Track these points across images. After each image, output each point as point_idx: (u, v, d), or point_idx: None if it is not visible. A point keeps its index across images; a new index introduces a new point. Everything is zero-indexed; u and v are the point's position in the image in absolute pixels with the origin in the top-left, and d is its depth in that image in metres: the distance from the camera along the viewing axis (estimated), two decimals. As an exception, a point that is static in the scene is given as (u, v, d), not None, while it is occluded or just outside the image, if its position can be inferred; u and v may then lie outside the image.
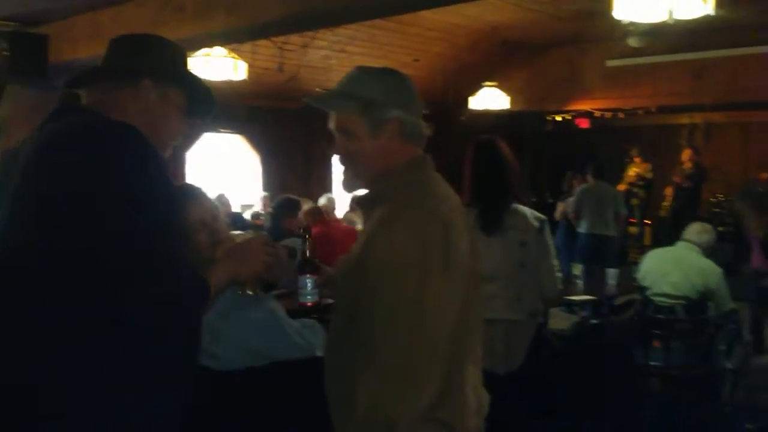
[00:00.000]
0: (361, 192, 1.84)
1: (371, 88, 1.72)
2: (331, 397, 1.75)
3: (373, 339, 1.57)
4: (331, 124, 1.77)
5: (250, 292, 1.78)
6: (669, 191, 10.78)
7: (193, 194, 2.00)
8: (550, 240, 3.22)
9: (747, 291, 5.81)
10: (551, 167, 12.08)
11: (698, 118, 11.74)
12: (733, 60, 8.83)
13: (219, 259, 1.68)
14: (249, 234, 1.86)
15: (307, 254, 1.96)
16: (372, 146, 1.72)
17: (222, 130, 10.21)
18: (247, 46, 7.27)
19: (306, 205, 7.36)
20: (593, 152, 10.75)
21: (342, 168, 1.80)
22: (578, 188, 8.08)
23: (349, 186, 1.81)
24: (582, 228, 7.95)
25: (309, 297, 1.91)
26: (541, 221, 3.21)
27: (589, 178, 8.14)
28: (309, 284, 1.91)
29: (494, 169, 3.13)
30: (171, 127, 1.77)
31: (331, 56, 8.74)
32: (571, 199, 8.42)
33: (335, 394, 1.72)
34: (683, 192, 10.47)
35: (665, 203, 10.85)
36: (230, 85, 6.89)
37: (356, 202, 1.88)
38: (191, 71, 1.89)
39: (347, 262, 1.76)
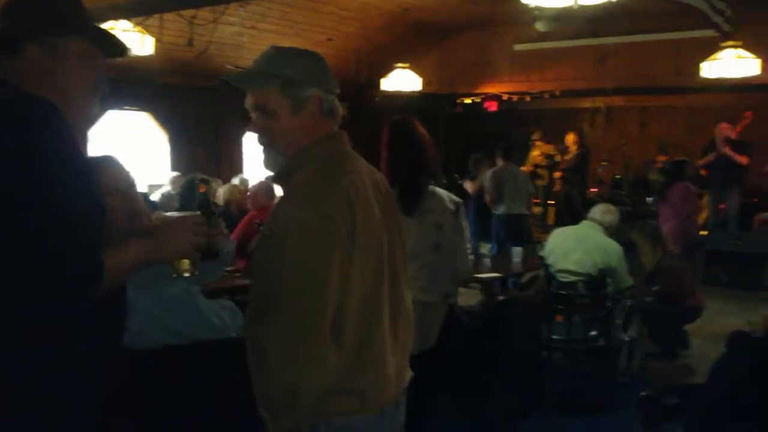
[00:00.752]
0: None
1: (290, 66, 1.74)
2: (251, 370, 1.77)
3: (278, 307, 1.61)
4: (248, 103, 1.76)
5: (187, 274, 1.65)
6: (557, 174, 11.16)
7: (108, 163, 1.94)
8: (465, 223, 3.27)
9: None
10: (462, 149, 12.31)
11: (600, 102, 12.21)
12: (633, 46, 9.24)
13: (138, 237, 1.55)
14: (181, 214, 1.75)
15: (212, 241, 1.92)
16: (292, 124, 1.74)
17: (127, 108, 9.86)
18: (154, 21, 7.04)
19: (215, 185, 7.23)
20: (501, 135, 11.03)
21: (261, 147, 1.80)
22: (490, 171, 8.20)
23: (271, 165, 1.81)
24: (499, 210, 8.11)
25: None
26: (456, 204, 3.24)
27: (499, 160, 8.29)
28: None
29: (410, 149, 3.14)
30: (81, 82, 1.56)
31: (242, 33, 8.57)
32: (485, 179, 8.48)
33: (253, 367, 1.73)
34: (570, 174, 10.88)
35: (557, 187, 11.23)
36: (136, 60, 6.66)
37: (273, 180, 1.89)
38: (83, 12, 1.61)
39: (260, 237, 1.80)
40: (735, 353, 2.24)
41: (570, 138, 11.00)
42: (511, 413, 4.28)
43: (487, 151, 8.87)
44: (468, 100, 11.66)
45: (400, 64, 9.76)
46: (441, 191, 3.21)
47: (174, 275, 1.64)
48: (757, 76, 7.13)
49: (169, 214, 1.79)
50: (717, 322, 6.27)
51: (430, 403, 3.38)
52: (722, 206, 9.42)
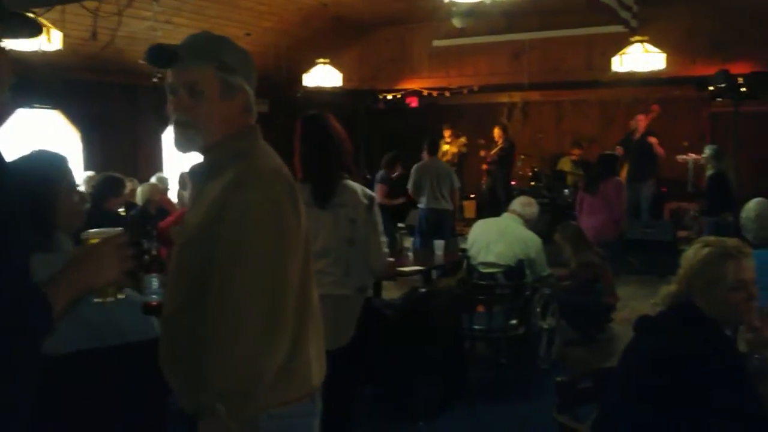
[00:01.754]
0: (194, 162, 1.81)
1: (228, 52, 1.72)
2: (173, 371, 1.71)
3: (234, 297, 1.58)
4: (173, 80, 1.71)
5: (111, 299, 1.58)
6: (484, 167, 11.37)
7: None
8: (378, 218, 3.28)
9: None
10: (384, 145, 12.37)
11: (517, 97, 12.51)
12: (547, 42, 9.47)
13: (66, 267, 1.47)
14: (104, 233, 1.61)
15: (153, 252, 1.87)
16: (218, 110, 1.70)
17: (36, 106, 9.44)
18: (55, 14, 6.74)
19: (130, 184, 7.01)
20: (423, 130, 11.13)
21: (177, 127, 1.73)
22: (415, 165, 8.26)
23: (183, 146, 1.75)
24: (421, 203, 8.18)
25: (154, 296, 1.83)
26: (370, 198, 3.25)
27: (424, 155, 8.35)
28: (154, 283, 1.83)
29: (324, 143, 3.14)
30: None
31: (156, 27, 8.32)
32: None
33: (180, 367, 1.69)
34: (495, 167, 11.10)
35: (484, 179, 11.43)
36: (43, 56, 6.39)
37: (189, 173, 1.84)
38: None
39: (186, 232, 1.73)
40: (641, 336, 2.32)
41: (496, 132, 11.20)
42: (434, 404, 4.33)
43: (399, 149, 8.90)
44: (389, 96, 11.72)
45: (320, 60, 9.72)
46: (355, 185, 3.22)
47: (97, 300, 1.57)
48: (663, 70, 7.43)
49: (93, 231, 1.68)
50: (631, 307, 6.51)
51: (352, 397, 3.37)
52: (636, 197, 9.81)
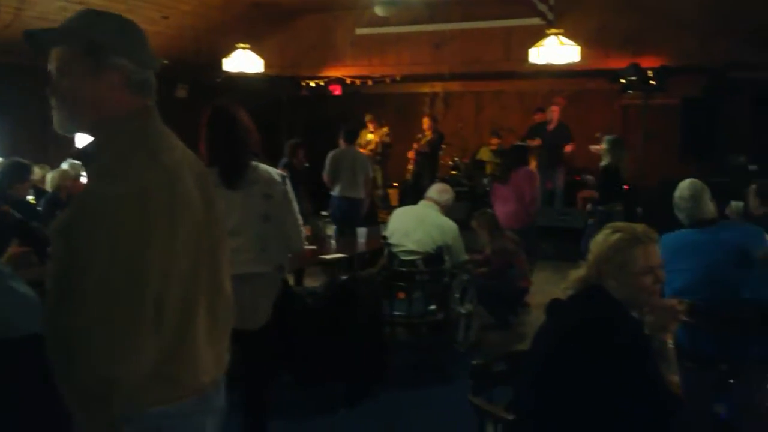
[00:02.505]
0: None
1: (99, 30, 1.64)
2: (53, 365, 1.64)
3: (91, 294, 1.48)
4: (51, 64, 1.65)
5: None
6: (411, 155, 11.47)
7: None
8: (292, 195, 3.32)
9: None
10: (306, 133, 12.30)
11: (438, 87, 12.64)
12: (467, 33, 9.59)
13: None
14: None
15: None
16: (90, 89, 1.63)
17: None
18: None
19: (40, 171, 6.74)
20: (346, 118, 11.11)
21: (53, 110, 1.67)
22: (331, 153, 8.23)
23: (61, 126, 1.69)
24: (335, 191, 8.17)
25: None
26: (283, 176, 3.31)
27: (341, 143, 8.34)
28: None
29: (229, 131, 3.15)
30: None
31: (67, 8, 7.99)
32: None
33: (55, 361, 1.58)
34: (423, 157, 11.21)
35: (409, 167, 11.52)
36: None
37: (76, 155, 1.79)
38: None
39: (59, 220, 1.63)
40: (551, 318, 2.42)
41: (425, 122, 11.28)
42: (354, 390, 4.37)
43: (303, 137, 8.90)
44: (312, 83, 11.65)
45: (241, 45, 9.54)
46: (265, 165, 3.26)
47: None
48: (578, 62, 7.66)
49: None
50: (546, 292, 6.69)
51: (268, 381, 3.36)
52: (548, 185, 10.13)
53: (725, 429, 2.18)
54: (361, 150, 10.19)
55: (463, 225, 8.04)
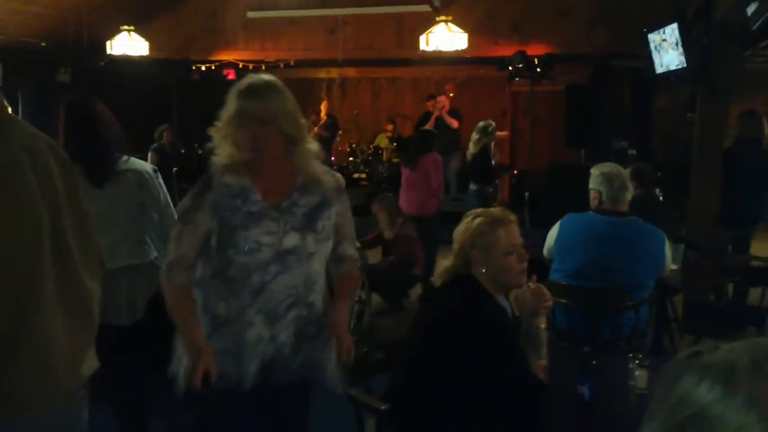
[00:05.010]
0: None
1: None
2: None
3: None
4: None
5: None
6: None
7: None
8: (164, 186, 3.23)
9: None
10: (201, 118, 11.96)
11: (335, 73, 12.57)
12: (360, 19, 9.56)
13: None
14: None
15: None
16: None
17: None
18: None
19: None
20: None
21: None
22: None
23: None
24: None
25: None
26: (153, 168, 3.23)
27: None
28: None
29: (88, 128, 3.00)
30: None
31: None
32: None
33: None
34: (321, 142, 11.13)
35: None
36: None
37: None
38: None
39: None
40: (424, 305, 2.44)
41: (323, 107, 11.19)
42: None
43: (198, 123, 8.84)
44: (204, 67, 11.32)
45: (125, 27, 9.15)
46: (134, 158, 3.15)
47: None
48: (467, 49, 7.78)
49: None
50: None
51: (151, 376, 3.23)
52: (444, 171, 10.28)
53: (588, 409, 2.26)
54: None
55: (360, 212, 8.07)
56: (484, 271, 2.30)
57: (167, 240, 3.22)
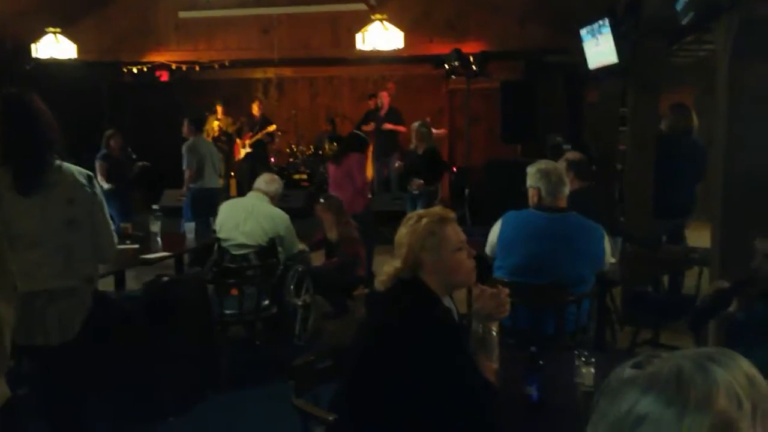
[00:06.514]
0: None
1: None
2: None
3: None
4: None
5: None
6: (247, 141, 11.18)
7: None
8: (102, 197, 3.01)
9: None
10: (135, 121, 11.64)
11: (271, 73, 12.41)
12: (294, 18, 9.46)
13: None
14: None
15: None
16: None
17: None
18: None
19: None
20: (177, 105, 10.63)
21: None
22: (189, 143, 7.93)
23: None
24: (197, 183, 7.91)
25: None
26: (89, 177, 2.97)
27: (188, 132, 8.05)
28: None
29: (24, 125, 2.80)
30: None
31: None
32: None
33: None
34: (255, 144, 11.00)
35: (241, 156, 11.25)
36: None
37: None
38: None
39: None
40: (368, 312, 2.40)
41: (255, 108, 11.03)
42: (183, 396, 4.17)
43: (131, 126, 8.56)
44: (135, 69, 11.01)
45: (50, 29, 8.82)
46: (69, 165, 2.92)
47: None
48: (403, 48, 7.77)
49: None
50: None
51: (81, 399, 3.10)
52: (385, 171, 10.30)
53: (536, 409, 2.26)
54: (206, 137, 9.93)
55: (302, 213, 8.00)
56: (433, 272, 2.28)
57: (102, 259, 3.08)
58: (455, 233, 2.32)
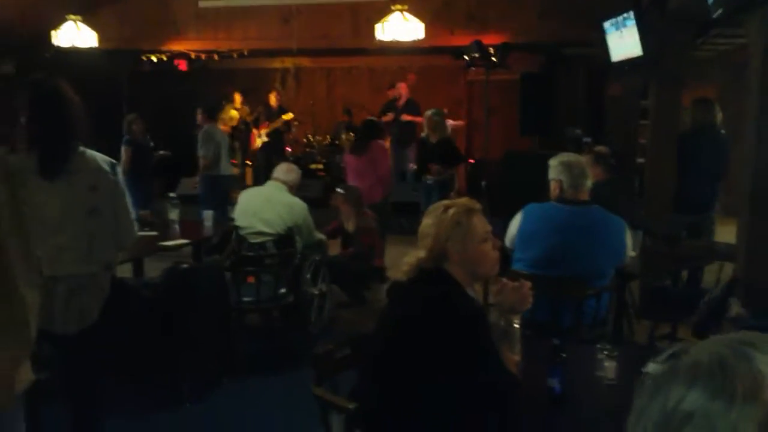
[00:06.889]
0: None
1: None
2: None
3: None
4: None
5: None
6: (263, 130, 11.20)
7: None
8: (123, 186, 3.02)
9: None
10: (154, 110, 11.68)
11: (289, 63, 12.40)
12: (314, 8, 9.43)
13: None
14: None
15: None
16: None
17: None
18: None
19: None
20: (196, 94, 10.64)
21: None
22: (205, 131, 7.99)
23: None
24: (215, 170, 7.94)
25: None
26: (111, 164, 2.98)
27: (202, 120, 8.10)
28: None
29: (53, 111, 2.81)
30: None
31: None
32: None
33: None
34: (272, 133, 11.01)
35: (257, 145, 11.28)
36: None
37: None
38: None
39: None
40: (391, 302, 2.39)
41: (272, 98, 11.05)
42: (200, 382, 4.19)
43: (150, 115, 8.59)
44: (155, 58, 11.03)
45: (71, 17, 8.84)
46: (93, 152, 2.94)
47: None
48: (424, 39, 7.73)
49: None
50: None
51: (99, 385, 3.12)
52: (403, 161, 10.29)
53: (558, 402, 2.24)
54: (223, 126, 9.94)
55: (318, 203, 8.01)
56: (458, 263, 2.26)
57: (121, 246, 3.09)
58: (482, 224, 2.30)
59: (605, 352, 2.37)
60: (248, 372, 4.59)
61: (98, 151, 3.04)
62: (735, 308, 2.16)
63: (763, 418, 0.74)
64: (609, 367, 2.34)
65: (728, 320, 2.09)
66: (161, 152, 8.65)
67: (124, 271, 4.50)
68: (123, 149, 8.02)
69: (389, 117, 10.12)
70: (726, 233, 4.27)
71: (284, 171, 5.48)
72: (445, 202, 2.38)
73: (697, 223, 5.84)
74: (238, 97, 11.34)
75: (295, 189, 5.44)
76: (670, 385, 0.80)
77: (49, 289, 2.65)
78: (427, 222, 2.32)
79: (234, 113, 11.22)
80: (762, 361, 0.78)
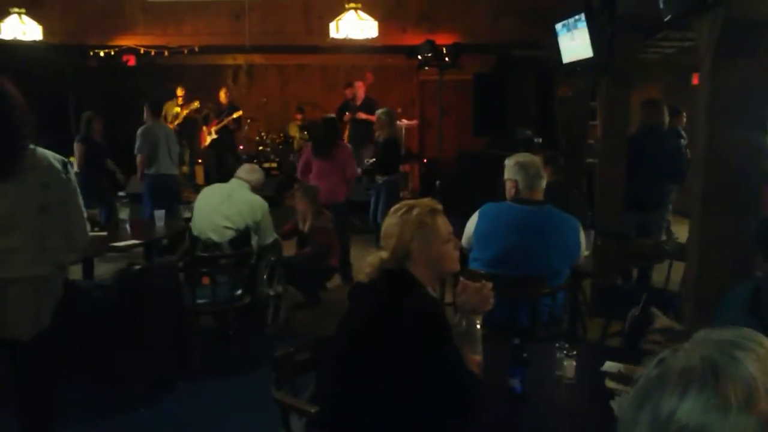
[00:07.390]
0: None
1: None
2: None
3: None
4: None
5: None
6: (212, 128, 11.04)
7: None
8: (75, 184, 2.93)
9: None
10: (101, 106, 11.38)
11: (241, 60, 12.25)
12: (266, 4, 9.34)
13: None
14: None
15: None
16: None
17: None
18: None
19: None
20: (145, 91, 10.42)
21: None
22: (143, 128, 7.77)
23: None
24: (152, 170, 7.74)
25: None
26: (64, 162, 2.88)
27: (147, 117, 7.88)
28: None
29: None
30: None
31: None
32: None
33: None
34: (221, 130, 10.88)
35: (206, 143, 11.11)
36: None
37: None
38: None
39: None
40: (352, 303, 2.37)
41: (222, 95, 10.89)
42: (156, 385, 4.11)
43: (97, 111, 8.34)
44: (102, 53, 10.76)
45: (15, 9, 8.60)
46: (43, 150, 2.83)
47: None
48: (377, 38, 7.73)
49: None
50: (358, 266, 6.76)
51: (53, 390, 3.02)
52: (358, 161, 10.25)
53: (520, 401, 2.27)
54: (169, 124, 9.74)
55: (272, 202, 7.92)
56: (421, 263, 2.26)
57: (74, 247, 2.99)
58: (444, 225, 2.32)
59: (564, 351, 2.40)
60: (204, 375, 4.52)
61: (44, 147, 2.94)
62: (660, 320, 2.20)
63: (758, 428, 0.74)
64: (568, 366, 2.37)
65: (655, 332, 2.14)
66: (111, 161, 8.41)
67: (74, 272, 4.37)
68: (76, 146, 7.76)
69: (348, 116, 10.09)
70: (682, 232, 4.39)
71: (247, 171, 5.45)
72: (408, 202, 2.38)
73: (645, 222, 5.98)
74: (180, 92, 11.08)
75: (258, 189, 5.39)
76: (661, 392, 0.79)
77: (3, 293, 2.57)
78: (391, 222, 2.31)
79: (177, 110, 10.97)
80: (749, 358, 0.78)
